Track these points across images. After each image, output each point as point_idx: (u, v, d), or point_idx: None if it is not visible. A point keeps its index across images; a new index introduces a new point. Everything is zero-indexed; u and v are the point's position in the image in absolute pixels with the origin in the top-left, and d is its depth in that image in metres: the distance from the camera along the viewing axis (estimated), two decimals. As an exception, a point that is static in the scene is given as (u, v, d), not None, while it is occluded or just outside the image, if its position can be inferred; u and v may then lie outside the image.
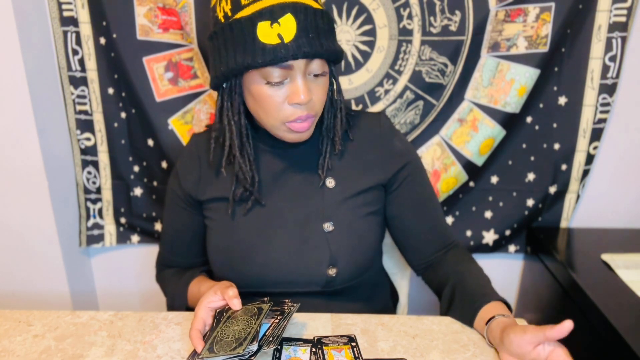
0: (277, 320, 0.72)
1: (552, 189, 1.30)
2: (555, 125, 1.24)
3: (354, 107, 1.24)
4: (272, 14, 0.72)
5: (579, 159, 1.26)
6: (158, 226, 1.40)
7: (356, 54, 1.19)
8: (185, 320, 0.84)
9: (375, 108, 1.23)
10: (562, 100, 1.22)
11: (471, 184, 1.32)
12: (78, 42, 1.24)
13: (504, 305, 0.80)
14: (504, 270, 1.44)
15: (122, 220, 1.42)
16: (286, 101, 0.77)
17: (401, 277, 1.19)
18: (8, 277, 1.35)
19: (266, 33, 0.72)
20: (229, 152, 0.88)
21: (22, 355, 0.75)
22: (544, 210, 1.33)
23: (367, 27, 1.17)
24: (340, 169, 0.90)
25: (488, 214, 1.34)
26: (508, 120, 1.21)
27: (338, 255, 0.86)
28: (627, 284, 1.03)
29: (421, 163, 0.96)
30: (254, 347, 0.66)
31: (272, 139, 0.88)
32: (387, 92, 1.22)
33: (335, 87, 0.87)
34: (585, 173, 1.28)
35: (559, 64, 1.19)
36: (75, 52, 1.25)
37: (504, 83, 1.18)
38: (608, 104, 1.21)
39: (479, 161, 1.26)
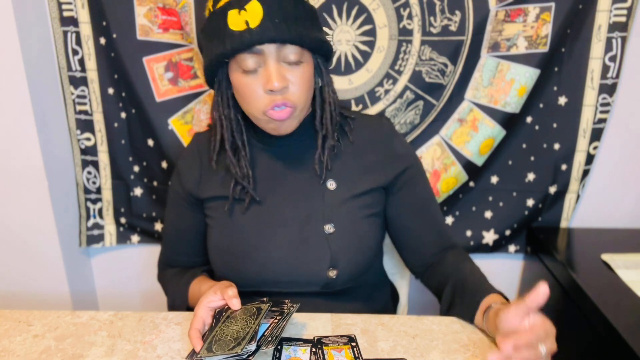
0: (277, 321, 0.72)
1: (552, 189, 1.30)
2: (555, 125, 1.24)
3: (354, 107, 1.24)
4: (239, 2, 0.75)
5: (579, 159, 1.26)
6: (158, 226, 1.40)
7: (356, 54, 1.19)
8: (185, 320, 0.84)
9: (375, 108, 1.23)
10: (562, 100, 1.22)
11: (471, 184, 1.32)
12: (78, 42, 1.24)
13: (503, 298, 0.80)
14: (504, 270, 1.43)
15: (122, 220, 1.42)
16: (263, 90, 0.78)
17: (401, 277, 1.19)
18: (8, 277, 1.35)
19: (234, 20, 0.75)
20: (220, 146, 0.89)
21: (22, 355, 0.75)
22: (544, 210, 1.33)
23: (367, 27, 1.17)
24: (341, 171, 0.90)
25: (488, 214, 1.34)
26: (508, 120, 1.21)
27: (338, 257, 0.86)
28: (627, 284, 1.03)
29: (421, 166, 0.96)
30: (252, 346, 0.66)
31: (268, 136, 0.89)
32: (387, 92, 1.22)
33: (324, 80, 0.86)
34: (585, 173, 1.28)
35: (559, 64, 1.19)
36: (75, 52, 1.25)
37: (504, 83, 1.18)
38: (608, 104, 1.21)
39: (479, 161, 1.26)
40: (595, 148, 1.25)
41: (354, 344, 0.75)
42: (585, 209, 1.35)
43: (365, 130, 0.93)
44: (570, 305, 1.10)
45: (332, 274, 0.86)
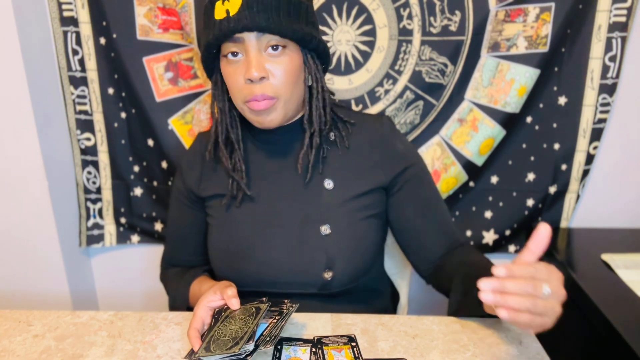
0: (275, 320, 0.72)
1: (552, 189, 1.30)
2: (555, 125, 1.24)
3: (354, 107, 1.24)
4: None
5: (579, 159, 1.26)
6: (158, 226, 1.40)
7: (356, 54, 1.19)
8: (185, 320, 0.84)
9: (375, 108, 1.23)
10: (562, 100, 1.22)
11: (471, 184, 1.32)
12: (78, 42, 1.24)
13: None
14: (504, 270, 1.43)
15: (122, 220, 1.42)
16: (243, 80, 0.79)
17: (401, 277, 1.19)
18: (8, 277, 1.35)
19: (218, 10, 0.77)
20: (215, 139, 0.89)
21: (22, 355, 0.75)
22: (544, 210, 1.33)
23: (367, 27, 1.17)
24: (339, 171, 0.89)
25: (488, 214, 1.34)
26: (508, 120, 1.21)
27: (335, 258, 0.85)
28: (627, 284, 1.03)
29: (425, 166, 0.95)
30: (250, 346, 0.66)
31: (262, 133, 0.89)
32: (387, 92, 1.22)
33: (313, 77, 0.85)
34: (585, 173, 1.28)
35: (559, 64, 1.19)
36: (75, 52, 1.25)
37: (504, 83, 1.18)
38: (608, 104, 1.21)
39: (479, 161, 1.26)
40: (595, 148, 1.25)
41: (354, 344, 0.75)
42: (585, 209, 1.35)
43: (365, 130, 0.92)
44: (570, 305, 1.09)
45: (328, 275, 0.85)
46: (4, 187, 1.26)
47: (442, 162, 1.26)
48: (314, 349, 0.73)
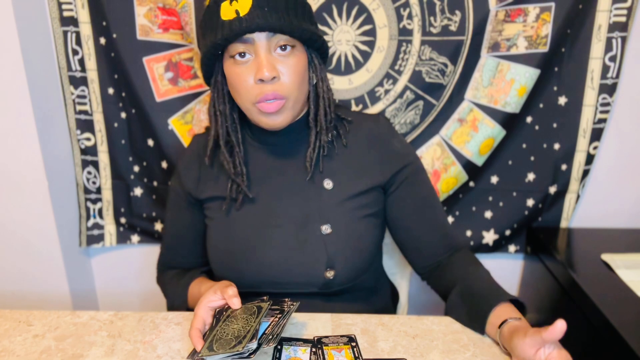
0: (277, 319, 0.72)
1: (552, 189, 1.30)
2: (555, 125, 1.24)
3: (354, 107, 1.24)
4: None
5: (579, 159, 1.26)
6: (158, 226, 1.40)
7: (356, 54, 1.19)
8: (185, 320, 0.84)
9: (375, 108, 1.23)
10: (562, 100, 1.22)
11: (471, 184, 1.32)
12: (78, 42, 1.24)
13: (513, 306, 0.78)
14: (504, 270, 1.43)
15: (122, 220, 1.42)
16: (253, 80, 0.79)
17: (401, 277, 1.19)
18: (8, 277, 1.35)
19: (226, 11, 0.76)
20: (215, 142, 0.89)
21: (22, 355, 0.75)
22: (544, 210, 1.33)
23: (367, 27, 1.17)
24: (338, 171, 0.90)
25: (488, 214, 1.34)
26: (508, 120, 1.21)
27: (335, 257, 0.86)
28: (627, 284, 1.03)
29: (422, 165, 0.95)
30: (254, 345, 0.66)
31: (263, 134, 0.89)
32: (387, 92, 1.22)
33: (318, 76, 0.87)
34: (585, 173, 1.28)
35: (559, 64, 1.19)
36: (75, 52, 1.25)
37: (504, 83, 1.18)
38: (608, 104, 1.21)
39: (479, 161, 1.26)
40: (595, 148, 1.25)
41: (354, 344, 0.75)
42: (585, 209, 1.35)
43: (362, 130, 0.93)
44: (570, 305, 1.10)
45: (330, 274, 0.86)
46: (4, 187, 1.26)
47: (442, 162, 1.26)
48: (314, 349, 0.74)
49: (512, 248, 1.38)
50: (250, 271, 0.87)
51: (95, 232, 1.42)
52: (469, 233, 1.36)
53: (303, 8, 0.81)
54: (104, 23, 1.20)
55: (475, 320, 0.79)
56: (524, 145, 1.27)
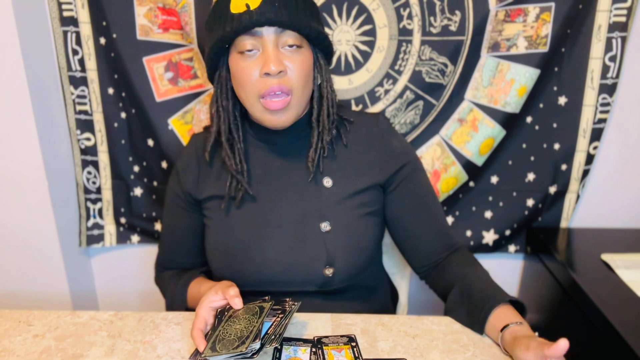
0: (279, 319, 0.72)
1: (552, 189, 1.30)
2: (555, 125, 1.24)
3: (354, 107, 1.24)
4: None
5: (579, 159, 1.26)
6: (158, 226, 1.40)
7: (356, 54, 1.19)
8: (185, 320, 0.84)
9: (375, 108, 1.23)
10: (562, 100, 1.22)
11: (471, 184, 1.32)
12: (78, 42, 1.24)
13: (513, 308, 0.78)
14: (504, 270, 1.44)
15: (122, 220, 1.42)
16: (259, 74, 0.79)
17: (401, 277, 1.19)
18: (8, 277, 1.35)
19: (236, 4, 0.77)
20: (217, 138, 0.89)
21: (22, 355, 0.75)
22: (544, 210, 1.33)
23: (367, 27, 1.17)
24: (337, 169, 0.90)
25: (488, 214, 1.34)
26: (508, 120, 1.21)
27: (335, 255, 0.86)
28: (627, 284, 1.03)
29: (421, 164, 0.96)
30: (257, 345, 0.66)
31: (264, 132, 0.89)
32: (387, 92, 1.22)
33: (323, 76, 0.87)
34: (585, 173, 1.28)
35: (559, 64, 1.19)
36: (75, 52, 1.25)
37: (504, 83, 1.18)
38: (608, 104, 1.21)
39: (479, 161, 1.26)
40: (595, 148, 1.25)
41: (354, 344, 0.75)
42: (585, 209, 1.35)
43: (362, 129, 0.93)
44: (570, 305, 1.10)
45: (329, 272, 0.86)
46: (4, 187, 1.25)
47: (442, 162, 1.26)
48: (314, 349, 0.74)
49: (512, 248, 1.38)
50: (249, 271, 0.87)
51: (95, 232, 1.42)
52: (469, 233, 1.36)
53: (312, 8, 0.83)
54: (104, 23, 1.20)
55: (475, 321, 0.79)
56: (524, 145, 1.27)
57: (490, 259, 1.39)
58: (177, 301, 0.94)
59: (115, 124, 1.31)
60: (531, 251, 1.35)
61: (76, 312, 0.85)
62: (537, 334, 0.72)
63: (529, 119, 1.25)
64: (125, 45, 1.21)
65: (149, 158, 1.32)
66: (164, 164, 1.31)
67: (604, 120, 1.22)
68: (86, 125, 1.32)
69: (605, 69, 1.18)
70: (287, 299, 0.77)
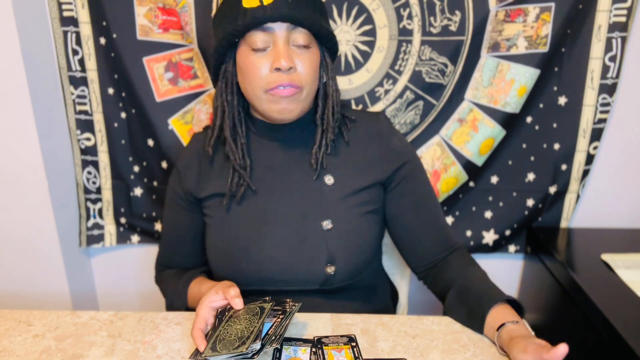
0: (279, 320, 0.72)
1: (552, 189, 1.30)
2: (555, 125, 1.24)
3: (354, 107, 1.24)
4: None
5: (579, 159, 1.26)
6: (158, 226, 1.40)
7: (356, 54, 1.19)
8: (186, 320, 0.84)
9: (375, 108, 1.23)
10: (562, 100, 1.22)
11: (471, 184, 1.32)
12: (78, 42, 1.24)
13: (511, 307, 0.78)
14: (504, 270, 1.44)
15: (122, 220, 1.42)
16: (269, 69, 0.80)
17: (401, 277, 1.19)
18: (8, 277, 1.35)
19: None
20: (220, 133, 0.90)
21: (22, 355, 0.75)
22: (544, 210, 1.33)
23: (367, 27, 1.17)
24: (339, 167, 0.90)
25: (488, 214, 1.34)
26: (508, 120, 1.21)
27: (336, 253, 0.86)
28: (627, 284, 1.03)
29: (420, 163, 0.96)
30: (257, 345, 0.66)
31: (266, 129, 0.89)
32: (387, 92, 1.22)
33: (329, 75, 0.88)
34: (585, 173, 1.28)
35: (559, 64, 1.19)
36: (75, 52, 1.25)
37: (504, 83, 1.18)
38: (608, 104, 1.21)
39: (479, 161, 1.26)
40: (595, 148, 1.25)
41: (354, 344, 0.75)
42: (585, 209, 1.35)
43: (363, 127, 0.93)
44: (570, 305, 1.10)
45: (330, 270, 0.86)
46: (4, 187, 1.26)
47: (442, 162, 1.26)
48: (314, 349, 0.74)
49: (512, 248, 1.38)
50: (250, 270, 0.87)
51: (95, 232, 1.42)
52: (469, 233, 1.36)
53: (322, 8, 0.85)
54: (104, 23, 1.20)
55: (474, 321, 0.79)
56: (524, 145, 1.27)
57: (490, 259, 1.39)
58: (177, 301, 0.94)
59: (115, 124, 1.31)
60: (531, 251, 1.35)
61: (76, 312, 0.85)
62: (533, 333, 0.72)
63: (529, 119, 1.25)
64: (125, 45, 1.21)
65: (149, 158, 1.32)
66: (164, 164, 1.31)
67: (604, 120, 1.22)
68: (86, 126, 1.32)
69: (605, 69, 1.18)
70: (288, 300, 0.77)
